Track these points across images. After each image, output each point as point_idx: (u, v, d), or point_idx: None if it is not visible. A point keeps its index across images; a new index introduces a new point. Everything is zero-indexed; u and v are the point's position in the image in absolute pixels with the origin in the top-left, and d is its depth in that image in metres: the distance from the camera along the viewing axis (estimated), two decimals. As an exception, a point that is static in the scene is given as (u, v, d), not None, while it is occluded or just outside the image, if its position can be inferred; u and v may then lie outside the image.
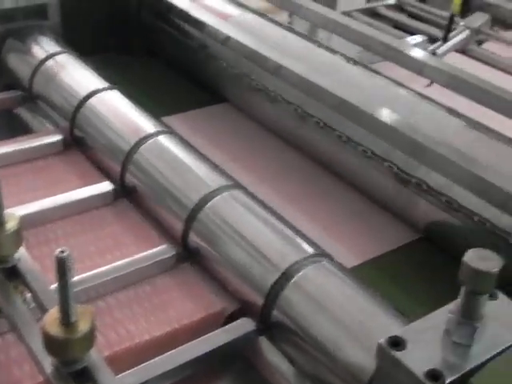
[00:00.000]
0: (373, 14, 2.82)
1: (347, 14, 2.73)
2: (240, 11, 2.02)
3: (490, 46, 2.43)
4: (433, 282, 1.39)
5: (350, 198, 1.65)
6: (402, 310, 1.18)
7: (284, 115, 1.78)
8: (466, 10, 2.76)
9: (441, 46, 2.22)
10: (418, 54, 1.75)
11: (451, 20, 2.28)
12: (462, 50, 2.40)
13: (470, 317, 0.95)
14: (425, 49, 2.23)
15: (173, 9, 1.99)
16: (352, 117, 1.56)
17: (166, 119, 1.89)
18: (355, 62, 1.75)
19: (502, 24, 2.76)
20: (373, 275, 1.44)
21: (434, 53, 2.18)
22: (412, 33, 2.57)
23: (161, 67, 2.19)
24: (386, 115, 1.52)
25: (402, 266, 1.48)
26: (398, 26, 2.75)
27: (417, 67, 1.72)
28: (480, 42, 2.45)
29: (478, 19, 2.32)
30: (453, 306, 0.96)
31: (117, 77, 2.00)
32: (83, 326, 0.94)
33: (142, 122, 1.65)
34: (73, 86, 1.78)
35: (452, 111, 1.57)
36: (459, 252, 1.31)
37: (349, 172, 1.67)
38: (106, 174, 1.62)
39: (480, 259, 0.91)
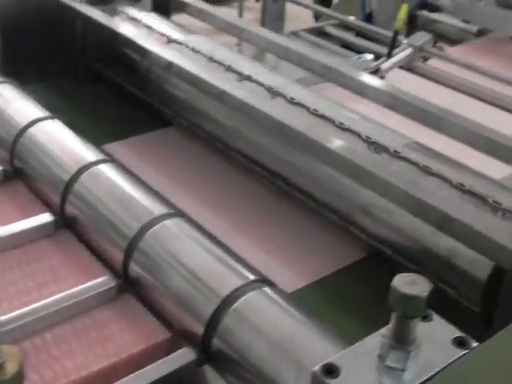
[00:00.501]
0: (320, 33, 2.83)
1: (295, 33, 2.75)
2: (183, 35, 2.01)
3: (435, 63, 2.45)
4: (379, 302, 1.39)
5: (296, 219, 1.64)
6: (349, 331, 1.17)
7: (230, 138, 1.77)
8: (412, 27, 2.81)
9: (384, 62, 2.24)
10: (357, 74, 1.76)
11: (395, 37, 2.30)
12: (408, 66, 2.42)
13: (402, 341, 0.94)
14: (369, 66, 2.25)
15: (116, 35, 1.97)
16: (294, 141, 1.55)
17: (111, 145, 1.88)
18: (298, 85, 1.75)
19: (447, 40, 2.81)
20: (318, 297, 1.44)
21: (377, 69, 2.19)
22: (359, 51, 2.58)
23: (106, 93, 2.17)
24: (328, 139, 1.52)
25: (348, 286, 1.47)
26: (345, 44, 2.76)
27: (357, 87, 1.73)
28: (425, 59, 2.47)
29: (421, 38, 2.35)
30: (385, 330, 0.96)
31: (62, 103, 2.00)
32: (11, 367, 0.92)
33: (82, 150, 1.62)
34: (12, 116, 1.75)
35: (393, 131, 1.58)
36: (405, 270, 1.34)
37: (295, 192, 1.66)
38: (47, 205, 1.59)
39: (409, 284, 0.91)
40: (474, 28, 2.72)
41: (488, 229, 1.22)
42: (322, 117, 1.58)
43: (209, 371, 1.24)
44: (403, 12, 2.28)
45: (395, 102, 1.66)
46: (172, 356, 1.22)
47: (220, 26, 2.10)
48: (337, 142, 1.49)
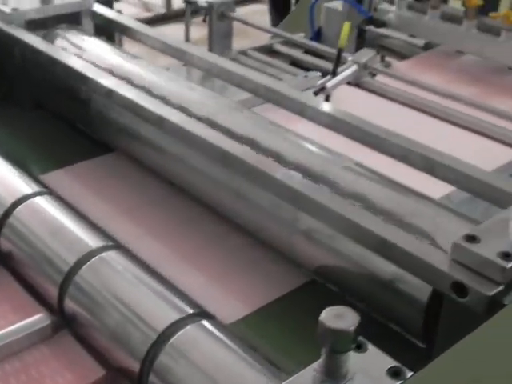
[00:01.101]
0: (269, 51, 2.82)
1: (243, 52, 2.74)
2: (125, 60, 1.98)
3: (383, 78, 2.45)
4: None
5: (239, 246, 1.62)
6: (292, 359, 1.18)
7: (171, 164, 1.75)
8: (360, 42, 2.82)
9: (330, 80, 2.23)
10: (297, 95, 1.75)
11: (339, 55, 2.30)
12: (356, 82, 2.42)
13: (333, 375, 0.93)
14: (315, 84, 2.25)
15: (55, 62, 1.94)
16: (233, 167, 1.53)
17: (53, 173, 1.85)
18: (240, 108, 1.74)
19: (395, 54, 2.83)
20: (261, 325, 1.42)
21: (323, 87, 2.19)
22: (308, 69, 2.58)
23: (47, 120, 2.13)
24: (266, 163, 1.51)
25: (291, 313, 1.45)
26: (294, 62, 2.75)
27: (297, 108, 1.72)
28: (374, 74, 2.47)
29: (366, 54, 2.35)
30: (317, 364, 0.95)
31: (1, 131, 1.96)
32: None
33: (17, 183, 1.59)
34: None
35: (333, 153, 1.57)
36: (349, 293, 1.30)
37: (237, 220, 1.64)
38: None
39: (336, 317, 0.91)
40: (421, 42, 2.73)
41: (426, 253, 1.21)
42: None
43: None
44: (345, 30, 2.28)
45: (335, 123, 1.65)
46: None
47: (162, 49, 2.07)
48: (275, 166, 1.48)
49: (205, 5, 2.65)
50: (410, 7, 2.64)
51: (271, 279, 1.53)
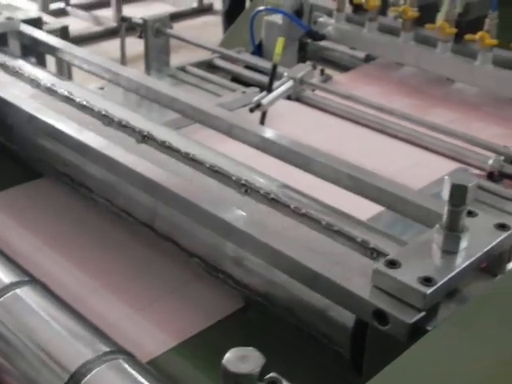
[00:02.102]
0: (209, 66, 2.78)
1: (182, 68, 2.70)
2: (51, 82, 1.93)
3: (322, 92, 2.43)
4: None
5: (169, 271, 1.59)
6: None
7: (97, 188, 1.71)
8: (302, 56, 2.80)
9: (265, 96, 2.20)
10: (225, 115, 1.72)
11: (273, 70, 2.28)
12: (296, 96, 2.40)
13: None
14: (252, 100, 2.21)
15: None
16: (158, 193, 1.49)
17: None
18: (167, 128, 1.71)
19: (337, 66, 2.81)
20: (190, 355, 1.39)
21: (259, 104, 2.15)
22: (249, 84, 2.55)
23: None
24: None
25: (223, 341, 1.41)
26: (235, 77, 2.72)
27: (226, 128, 1.68)
28: (314, 89, 2.45)
29: (302, 69, 2.33)
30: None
31: None
32: None
33: None
34: None
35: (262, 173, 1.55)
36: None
37: (167, 242, 1.60)
38: None
39: (239, 360, 0.88)
40: (361, 54, 2.72)
41: (347, 280, 1.19)
42: (192, 160, 1.55)
43: None
44: (280, 45, 2.26)
45: (263, 142, 1.63)
46: None
47: (89, 69, 2.02)
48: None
49: (139, 21, 2.61)
50: (348, 20, 2.63)
51: (204, 306, 1.51)
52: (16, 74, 2.00)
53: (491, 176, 1.94)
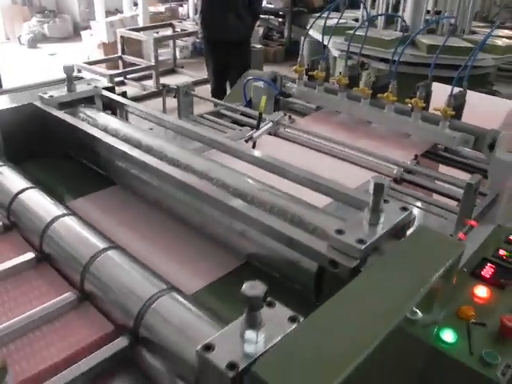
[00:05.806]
0: (218, 114, 2.83)
1: (201, 116, 2.74)
2: (121, 126, 1.97)
3: (292, 129, 2.47)
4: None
5: (198, 246, 1.58)
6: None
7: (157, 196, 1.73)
8: (277, 107, 2.85)
9: (255, 132, 2.26)
10: (232, 144, 1.77)
11: (260, 116, 2.34)
12: (274, 133, 2.45)
13: (253, 324, 0.94)
14: (245, 135, 2.27)
15: (77, 129, 1.91)
16: (198, 196, 1.53)
17: (76, 200, 1.82)
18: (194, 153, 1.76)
19: (298, 113, 2.86)
20: (212, 296, 1.38)
21: (250, 137, 2.22)
22: (243, 125, 2.60)
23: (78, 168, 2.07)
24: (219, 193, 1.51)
25: (233, 287, 1.42)
26: (234, 121, 2.77)
27: (233, 152, 1.74)
28: (285, 128, 2.50)
29: (277, 115, 2.40)
30: (242, 318, 0.95)
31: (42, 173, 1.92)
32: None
33: (50, 207, 1.58)
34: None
35: (256, 181, 1.59)
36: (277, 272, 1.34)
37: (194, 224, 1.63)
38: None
39: (251, 288, 0.93)
40: (313, 106, 2.77)
41: (313, 242, 1.24)
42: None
43: (140, 351, 1.22)
44: (263, 101, 2.33)
45: (255, 161, 1.68)
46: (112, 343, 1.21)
47: (145, 117, 2.08)
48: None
49: (174, 87, 2.67)
50: (305, 84, 2.68)
51: (216, 262, 1.51)
52: (99, 121, 2.04)
53: (396, 180, 1.99)
